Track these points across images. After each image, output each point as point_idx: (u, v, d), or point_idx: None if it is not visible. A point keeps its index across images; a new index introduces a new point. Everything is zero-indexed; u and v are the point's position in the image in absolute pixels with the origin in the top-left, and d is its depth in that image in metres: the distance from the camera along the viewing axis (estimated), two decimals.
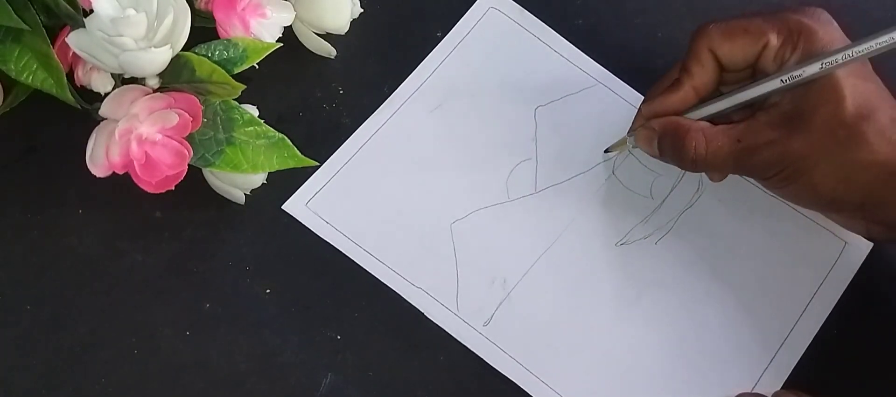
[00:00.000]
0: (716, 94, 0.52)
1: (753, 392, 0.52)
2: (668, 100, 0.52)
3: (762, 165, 0.49)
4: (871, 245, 0.55)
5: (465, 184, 0.56)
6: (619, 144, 0.56)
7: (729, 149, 0.49)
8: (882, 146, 0.47)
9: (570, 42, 0.60)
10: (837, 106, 0.47)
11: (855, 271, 0.55)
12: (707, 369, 0.53)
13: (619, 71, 0.59)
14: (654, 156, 0.53)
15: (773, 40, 0.49)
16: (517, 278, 0.54)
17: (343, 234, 0.55)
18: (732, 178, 0.56)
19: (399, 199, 0.56)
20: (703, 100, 0.52)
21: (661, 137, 0.52)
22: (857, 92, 0.47)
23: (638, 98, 0.58)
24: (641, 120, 0.53)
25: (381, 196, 0.56)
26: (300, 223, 0.55)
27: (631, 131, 0.54)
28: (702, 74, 0.51)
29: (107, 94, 0.52)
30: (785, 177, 0.49)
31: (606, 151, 0.57)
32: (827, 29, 0.49)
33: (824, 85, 0.48)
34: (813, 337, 0.53)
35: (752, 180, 0.56)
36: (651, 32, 0.61)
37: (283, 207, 0.55)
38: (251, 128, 0.52)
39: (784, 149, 0.48)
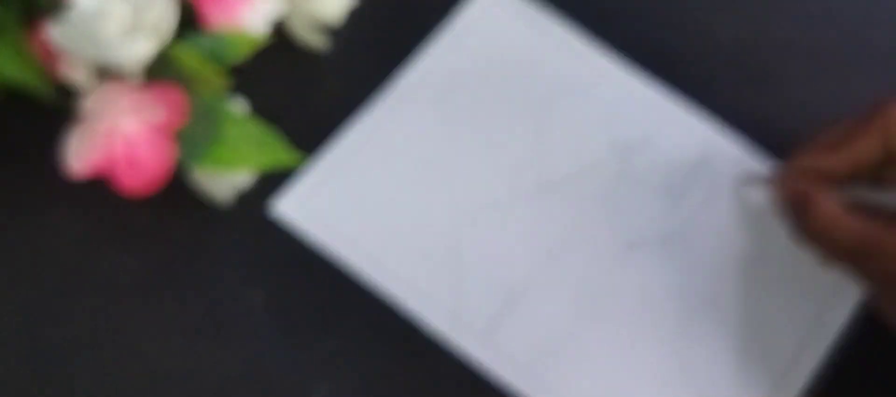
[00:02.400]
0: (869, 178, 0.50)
1: None
2: (822, 158, 0.49)
3: (880, 273, 0.47)
4: None
5: (466, 182, 0.55)
6: (757, 181, 0.54)
7: (852, 238, 0.47)
8: None
9: (574, 33, 0.59)
10: None
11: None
12: (720, 380, 0.52)
13: (629, 61, 0.58)
14: (778, 208, 0.51)
15: None
16: (520, 282, 0.53)
17: (336, 237, 0.54)
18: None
19: (395, 200, 0.55)
20: (856, 177, 0.49)
21: (793, 192, 0.49)
22: None
23: (646, 90, 0.58)
24: (788, 168, 0.51)
25: (376, 197, 0.55)
26: (291, 226, 0.54)
27: (772, 178, 0.52)
28: (866, 152, 0.48)
29: (88, 90, 0.51)
30: None
31: (744, 183, 0.55)
32: None
33: None
34: (828, 344, 0.53)
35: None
36: (664, 20, 0.60)
37: (273, 210, 0.54)
38: (240, 124, 0.52)
39: None
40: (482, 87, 0.58)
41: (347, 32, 0.58)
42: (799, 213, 0.49)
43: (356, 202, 0.55)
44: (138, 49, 0.49)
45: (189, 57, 0.50)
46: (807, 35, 0.60)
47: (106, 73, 0.51)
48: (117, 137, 0.49)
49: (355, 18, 0.58)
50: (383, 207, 0.55)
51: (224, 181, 0.53)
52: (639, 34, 0.59)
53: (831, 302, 0.53)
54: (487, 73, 0.58)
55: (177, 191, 0.52)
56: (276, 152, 0.52)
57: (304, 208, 0.54)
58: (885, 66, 0.59)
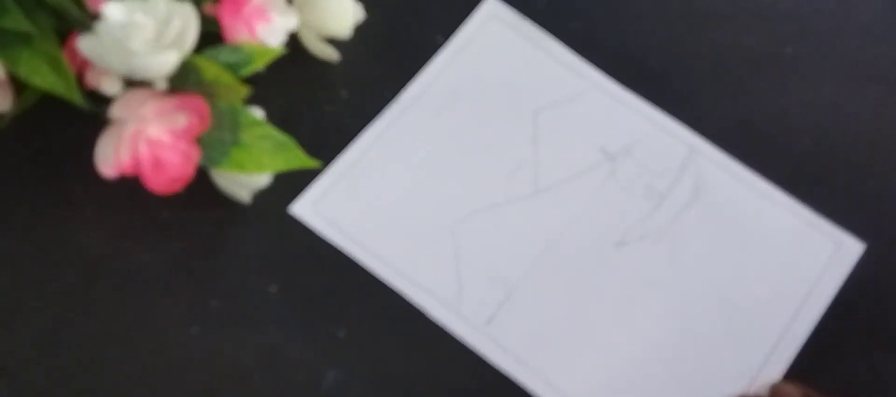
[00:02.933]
0: None
1: (752, 395, 0.52)
2: None
3: None
4: (864, 245, 0.56)
5: (467, 185, 0.57)
6: None
7: None
8: None
9: (566, 48, 0.61)
10: None
11: (849, 270, 0.56)
12: (706, 366, 0.53)
13: (615, 74, 0.60)
14: None
15: None
16: (518, 278, 0.55)
17: (348, 236, 0.55)
18: (726, 182, 0.57)
19: (402, 201, 0.57)
20: None
21: None
22: None
23: (632, 100, 0.59)
24: None
25: (385, 198, 0.57)
26: (307, 225, 0.56)
27: None
28: None
29: (116, 97, 0.52)
30: None
31: None
32: None
33: None
34: (809, 333, 0.54)
35: (746, 180, 0.57)
36: (647, 35, 0.62)
37: (289, 210, 0.56)
38: (257, 129, 0.53)
39: None
40: (481, 97, 0.59)
41: (355, 44, 0.59)
42: None
43: (366, 203, 0.56)
44: (163, 60, 0.50)
45: (210, 67, 0.52)
46: (781, 46, 0.61)
47: (133, 82, 0.53)
48: (143, 141, 0.51)
49: (363, 32, 0.59)
50: (391, 208, 0.56)
51: (243, 182, 0.54)
52: (624, 49, 0.61)
53: (815, 281, 0.55)
54: (486, 85, 0.60)
55: (199, 191, 0.53)
56: (291, 156, 0.53)
57: (319, 210, 0.56)
58: (858, 75, 0.60)
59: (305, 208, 0.56)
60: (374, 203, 0.57)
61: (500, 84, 0.60)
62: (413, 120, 0.59)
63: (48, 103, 0.54)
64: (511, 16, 0.62)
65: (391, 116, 0.59)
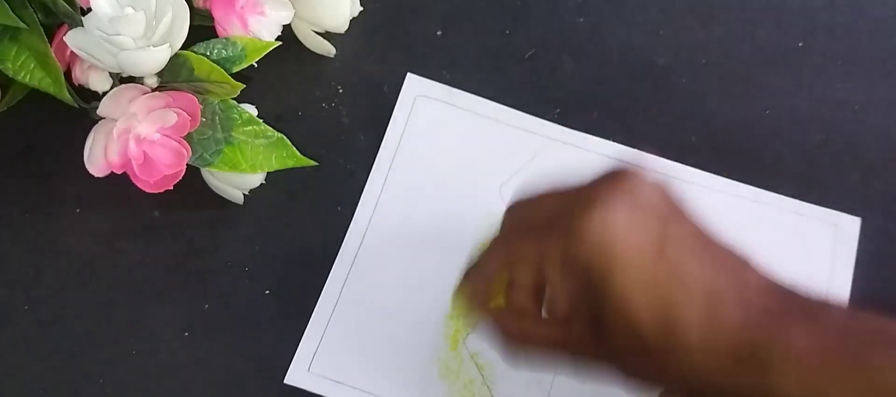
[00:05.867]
0: None
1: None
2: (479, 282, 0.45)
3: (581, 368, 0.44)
4: (859, 219, 0.55)
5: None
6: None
7: (546, 354, 0.44)
8: (693, 362, 0.39)
9: (505, 106, 0.57)
10: (635, 330, 0.39)
11: (856, 245, 0.54)
12: None
13: (614, 74, 0.58)
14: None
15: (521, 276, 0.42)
16: (550, 372, 0.51)
17: (360, 389, 0.51)
18: (708, 198, 0.55)
19: (401, 333, 0.52)
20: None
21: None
22: (653, 305, 0.39)
23: (586, 141, 0.56)
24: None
25: (382, 336, 0.52)
26: (300, 223, 0.54)
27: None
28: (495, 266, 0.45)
29: (105, 93, 0.52)
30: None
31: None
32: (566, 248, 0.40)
33: (616, 306, 0.39)
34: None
35: (724, 190, 0.56)
36: (654, 30, 0.60)
37: (286, 381, 0.51)
38: (250, 127, 0.52)
39: (597, 362, 0.42)
40: (441, 188, 0.55)
41: (352, 38, 0.58)
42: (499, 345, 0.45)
43: (364, 348, 0.52)
44: (154, 55, 0.50)
45: (203, 63, 0.51)
46: (792, 43, 0.60)
47: (123, 78, 0.52)
48: (133, 139, 0.50)
49: (359, 25, 0.58)
50: (392, 346, 0.52)
51: (236, 181, 0.53)
52: (626, 45, 0.60)
53: (832, 270, 0.53)
54: (439, 174, 0.55)
55: (191, 191, 0.52)
56: (285, 154, 0.52)
57: (317, 371, 0.51)
58: (871, 71, 0.59)
59: (300, 374, 0.51)
60: (372, 346, 0.52)
61: (453, 167, 0.56)
62: (380, 236, 0.54)
63: (35, 100, 0.53)
64: (439, 88, 0.58)
65: (354, 242, 0.54)
